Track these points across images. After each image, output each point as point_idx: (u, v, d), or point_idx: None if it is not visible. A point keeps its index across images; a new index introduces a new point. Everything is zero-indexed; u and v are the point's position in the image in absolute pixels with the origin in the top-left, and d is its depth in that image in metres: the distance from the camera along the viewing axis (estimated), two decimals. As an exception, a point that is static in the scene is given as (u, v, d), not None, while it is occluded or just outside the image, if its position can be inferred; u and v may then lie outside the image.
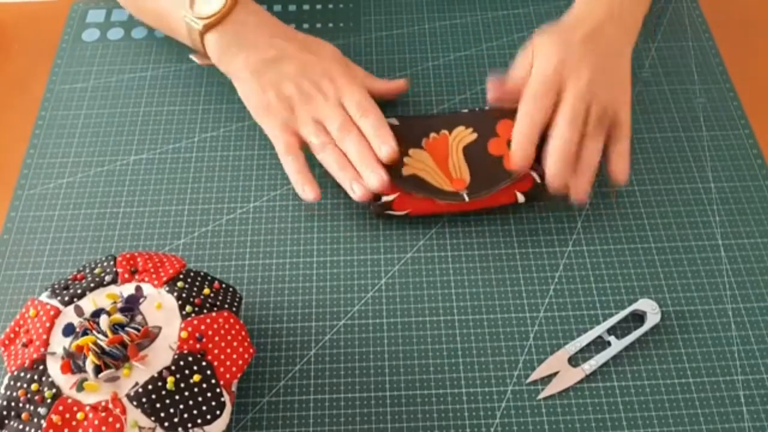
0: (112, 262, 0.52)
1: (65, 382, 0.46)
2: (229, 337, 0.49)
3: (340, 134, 0.60)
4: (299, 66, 0.62)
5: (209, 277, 0.53)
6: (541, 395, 0.53)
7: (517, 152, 0.58)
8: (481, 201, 0.60)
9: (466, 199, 0.60)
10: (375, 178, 0.57)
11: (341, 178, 0.59)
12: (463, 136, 0.63)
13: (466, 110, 0.65)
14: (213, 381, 0.47)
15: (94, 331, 0.46)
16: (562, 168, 0.57)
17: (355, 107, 0.60)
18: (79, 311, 0.49)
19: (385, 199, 0.59)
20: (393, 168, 0.60)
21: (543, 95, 0.58)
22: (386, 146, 0.59)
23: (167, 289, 0.50)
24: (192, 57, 0.68)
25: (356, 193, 0.58)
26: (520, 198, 0.61)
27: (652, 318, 0.56)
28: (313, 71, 0.62)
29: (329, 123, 0.60)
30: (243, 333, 0.50)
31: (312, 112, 0.61)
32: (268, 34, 0.63)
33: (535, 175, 0.61)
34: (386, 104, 0.67)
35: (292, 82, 0.61)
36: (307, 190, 0.59)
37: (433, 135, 0.63)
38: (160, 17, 0.68)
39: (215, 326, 0.49)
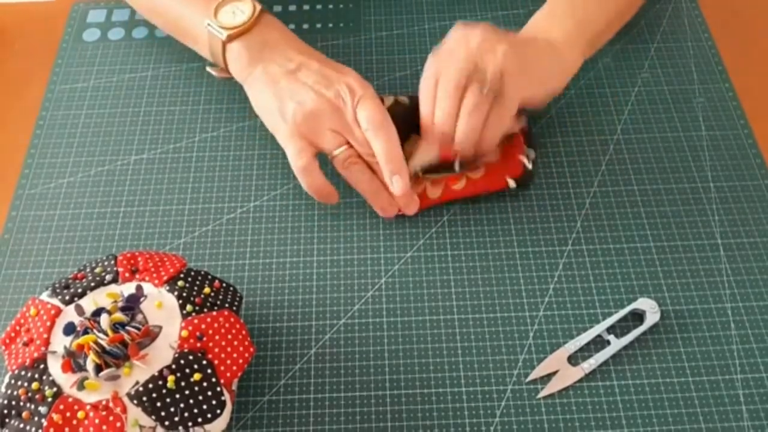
0: (112, 262, 0.52)
1: (66, 380, 0.46)
2: (229, 336, 0.49)
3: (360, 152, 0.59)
4: (318, 77, 0.60)
5: (210, 276, 0.53)
6: (541, 394, 0.53)
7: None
8: (472, 187, 0.61)
9: (457, 169, 0.61)
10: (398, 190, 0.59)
11: (366, 193, 0.60)
12: None
13: None
14: (213, 380, 0.47)
15: (95, 330, 0.47)
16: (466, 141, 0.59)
17: (366, 122, 0.58)
18: (80, 310, 0.49)
19: None
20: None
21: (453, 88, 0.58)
22: (398, 182, 0.58)
23: (168, 288, 0.50)
24: (209, 69, 0.66)
25: (386, 212, 0.61)
26: (512, 183, 0.61)
27: (652, 317, 0.56)
28: (332, 83, 0.59)
29: (350, 136, 0.59)
30: (243, 332, 0.50)
31: (331, 123, 0.58)
32: (290, 48, 0.62)
33: (524, 159, 0.61)
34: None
35: (312, 91, 0.59)
36: (331, 200, 0.60)
37: None
38: (179, 25, 0.67)
39: (216, 325, 0.49)
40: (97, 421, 0.45)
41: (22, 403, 0.46)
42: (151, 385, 0.45)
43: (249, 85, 0.63)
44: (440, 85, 0.59)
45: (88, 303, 0.49)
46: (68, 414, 0.45)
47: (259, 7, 0.63)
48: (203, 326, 0.48)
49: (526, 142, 0.64)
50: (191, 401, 0.46)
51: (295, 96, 0.59)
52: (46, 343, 0.48)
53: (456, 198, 0.62)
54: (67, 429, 0.45)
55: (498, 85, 0.58)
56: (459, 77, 0.58)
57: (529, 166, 0.61)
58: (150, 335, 0.47)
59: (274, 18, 0.64)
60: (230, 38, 0.62)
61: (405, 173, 0.58)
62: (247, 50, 0.62)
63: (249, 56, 0.62)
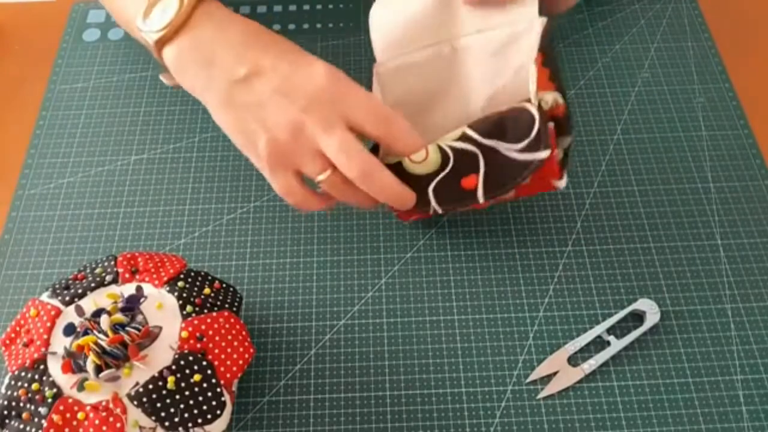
0: (112, 262, 0.52)
1: (66, 381, 0.46)
2: (229, 337, 0.49)
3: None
4: (279, 83, 0.48)
5: (210, 277, 0.53)
6: (541, 395, 0.53)
7: None
8: (511, 195, 0.54)
9: (481, 200, 0.51)
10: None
11: (365, 208, 0.54)
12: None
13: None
14: (213, 380, 0.47)
15: (95, 331, 0.47)
16: None
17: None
18: (80, 311, 0.49)
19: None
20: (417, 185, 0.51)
21: None
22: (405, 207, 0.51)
23: (168, 288, 0.50)
24: (161, 77, 0.56)
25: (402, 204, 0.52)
26: (561, 184, 0.52)
27: (652, 318, 0.56)
28: (297, 90, 0.48)
29: (330, 152, 0.48)
30: (243, 333, 0.50)
31: (308, 143, 0.48)
32: (237, 43, 0.50)
33: (557, 183, 0.52)
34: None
35: (275, 106, 0.48)
36: (321, 209, 0.52)
37: None
38: (128, 29, 0.57)
39: (216, 326, 0.49)
40: (97, 422, 0.45)
41: (22, 404, 0.46)
42: (151, 386, 0.45)
43: (201, 99, 0.52)
44: None
45: (88, 304, 0.49)
46: (68, 415, 0.45)
47: None
48: (203, 327, 0.48)
49: (564, 129, 0.51)
50: (191, 402, 0.46)
51: (259, 119, 0.48)
52: (46, 343, 0.48)
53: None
54: (67, 430, 0.45)
55: None
56: None
57: (562, 186, 0.53)
58: (150, 336, 0.47)
59: (214, 3, 0.52)
60: (160, 43, 0.51)
61: (412, 199, 0.50)
62: (181, 53, 0.50)
63: (186, 64, 0.50)
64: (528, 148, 0.49)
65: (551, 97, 0.50)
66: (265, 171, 0.51)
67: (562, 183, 0.52)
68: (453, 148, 0.50)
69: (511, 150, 0.50)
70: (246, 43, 0.50)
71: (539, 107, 0.49)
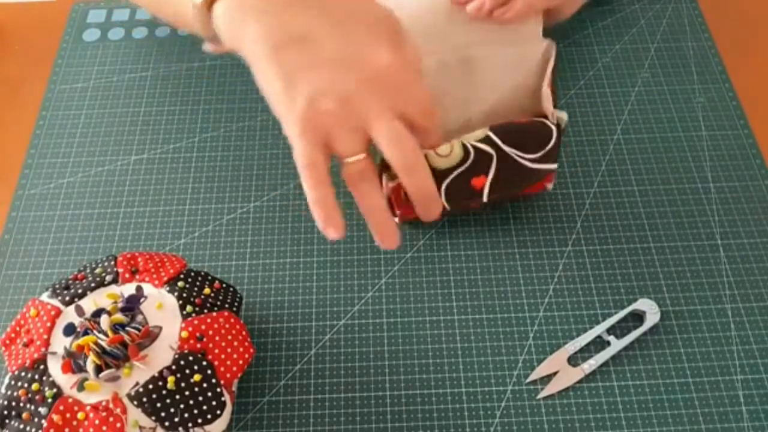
0: (112, 262, 0.52)
1: (66, 381, 0.46)
2: (229, 337, 0.49)
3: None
4: (340, 51, 0.45)
5: (210, 277, 0.53)
6: (541, 395, 0.53)
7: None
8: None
9: (485, 199, 0.54)
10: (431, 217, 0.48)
11: (369, 217, 0.48)
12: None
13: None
14: (213, 380, 0.47)
15: (95, 331, 0.47)
16: None
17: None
18: (80, 311, 0.49)
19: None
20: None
21: None
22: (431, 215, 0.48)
23: (168, 288, 0.50)
24: (204, 47, 0.53)
25: (386, 242, 0.48)
26: (550, 187, 0.59)
27: (652, 318, 0.56)
28: (360, 62, 0.45)
29: (381, 136, 0.44)
30: (243, 333, 0.50)
31: (353, 118, 0.44)
32: (298, 2, 0.46)
33: (549, 186, 0.60)
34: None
35: (330, 71, 0.44)
36: (329, 231, 0.45)
37: None
38: (164, 4, 0.56)
39: (216, 326, 0.49)
40: (97, 422, 0.45)
41: (22, 404, 0.46)
42: (151, 386, 0.45)
43: (248, 56, 0.47)
44: None
45: (88, 304, 0.49)
46: (68, 415, 0.45)
47: None
48: (203, 327, 0.48)
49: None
50: (191, 402, 0.46)
51: (307, 80, 0.44)
52: (46, 343, 0.48)
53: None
54: (67, 430, 0.45)
55: None
56: None
57: (551, 187, 0.59)
58: (150, 336, 0.47)
59: None
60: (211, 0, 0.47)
61: (439, 206, 0.48)
62: (235, 8, 0.47)
63: (240, 16, 0.46)
64: (541, 159, 0.54)
65: (565, 117, 0.54)
66: (293, 132, 0.45)
67: (551, 185, 0.59)
68: (475, 147, 0.52)
69: (524, 158, 0.53)
70: (305, 3, 0.46)
71: (557, 124, 0.53)
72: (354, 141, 0.45)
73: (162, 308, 0.49)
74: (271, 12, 0.45)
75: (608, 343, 0.55)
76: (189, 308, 0.49)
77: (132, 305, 0.49)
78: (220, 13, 0.47)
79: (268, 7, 0.46)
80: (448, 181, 0.52)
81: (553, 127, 0.53)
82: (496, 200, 0.57)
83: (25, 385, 0.46)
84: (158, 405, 0.45)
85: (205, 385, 0.46)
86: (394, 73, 0.45)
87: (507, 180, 0.54)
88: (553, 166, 0.55)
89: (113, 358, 0.46)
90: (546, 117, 0.54)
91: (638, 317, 0.57)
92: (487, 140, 0.52)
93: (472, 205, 0.58)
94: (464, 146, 0.52)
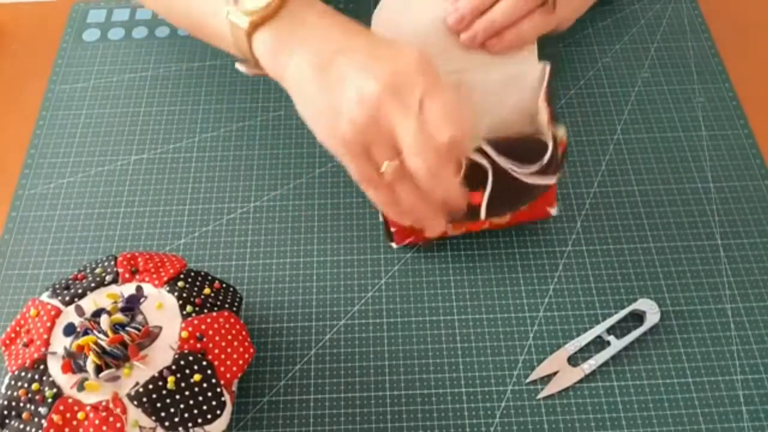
0: (112, 262, 0.52)
1: (66, 381, 0.46)
2: (229, 337, 0.49)
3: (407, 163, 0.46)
4: (363, 58, 0.47)
5: (210, 277, 0.53)
6: (541, 395, 0.53)
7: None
8: (506, 221, 0.59)
9: (482, 216, 0.53)
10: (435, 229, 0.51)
11: (409, 213, 0.50)
12: None
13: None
14: (213, 380, 0.47)
15: (95, 331, 0.47)
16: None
17: (440, 119, 0.45)
18: (80, 311, 0.49)
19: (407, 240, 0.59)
20: None
21: None
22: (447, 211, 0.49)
23: (168, 288, 0.50)
24: (238, 66, 0.54)
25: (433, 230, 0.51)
26: (554, 212, 0.59)
27: (652, 318, 0.56)
28: (382, 64, 0.46)
29: (405, 138, 0.45)
30: (243, 333, 0.50)
31: (385, 131, 0.45)
32: (333, 28, 0.49)
33: (552, 210, 0.59)
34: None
35: (355, 80, 0.46)
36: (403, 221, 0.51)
37: None
38: (196, 20, 0.56)
39: (216, 326, 0.49)
40: (97, 421, 0.45)
41: (22, 404, 0.46)
42: (151, 386, 0.45)
43: (288, 82, 0.50)
44: None
45: (88, 304, 0.49)
46: (68, 415, 0.45)
47: None
48: (203, 327, 0.48)
49: (563, 162, 0.56)
50: (191, 402, 0.46)
51: (340, 98, 0.46)
52: (46, 343, 0.48)
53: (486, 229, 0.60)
54: (67, 430, 0.45)
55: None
56: None
57: (555, 213, 0.59)
58: (150, 336, 0.47)
59: None
60: (254, 26, 0.49)
61: (462, 208, 0.49)
62: (277, 38, 0.49)
63: (280, 45, 0.49)
64: (539, 172, 0.52)
65: (561, 131, 0.54)
66: (340, 155, 0.48)
67: (555, 210, 0.58)
68: (467, 158, 0.51)
69: (521, 172, 0.52)
70: (339, 25, 0.50)
71: (553, 137, 0.52)
72: (384, 149, 0.46)
73: (162, 308, 0.49)
74: (307, 43, 0.48)
75: (608, 343, 0.55)
76: (189, 308, 0.49)
77: (132, 305, 0.49)
78: (262, 42, 0.49)
79: (308, 38, 0.48)
80: None
81: (549, 141, 0.52)
82: (498, 223, 0.58)
83: (25, 385, 0.46)
84: (158, 405, 0.45)
85: (205, 385, 0.46)
86: (419, 71, 0.46)
87: (504, 195, 0.53)
88: (552, 180, 0.54)
89: (113, 358, 0.46)
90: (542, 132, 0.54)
91: (638, 317, 0.57)
92: (480, 151, 0.52)
93: (471, 227, 0.58)
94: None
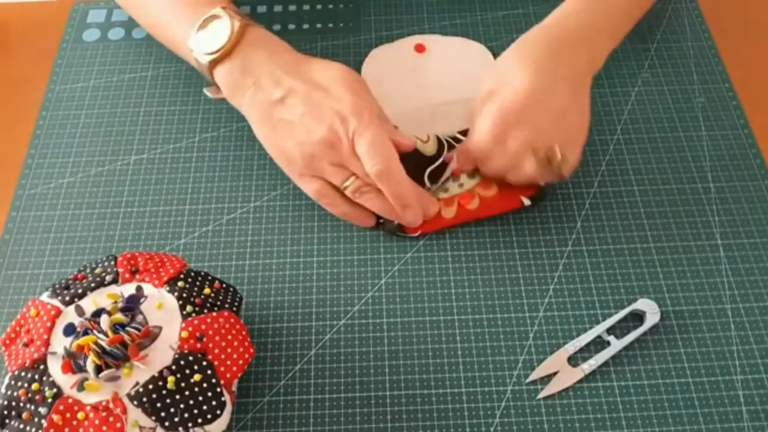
0: (112, 262, 0.52)
1: (66, 381, 0.46)
2: (229, 337, 0.49)
3: (363, 187, 0.57)
4: (308, 106, 0.56)
5: (210, 277, 0.53)
6: (541, 395, 0.53)
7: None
8: (486, 208, 0.61)
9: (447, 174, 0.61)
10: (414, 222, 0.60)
11: (385, 215, 0.60)
12: None
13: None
14: (213, 380, 0.47)
15: (95, 331, 0.47)
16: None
17: (366, 155, 0.55)
18: (80, 311, 0.49)
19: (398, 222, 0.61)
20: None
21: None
22: (409, 212, 0.58)
23: (168, 288, 0.50)
24: (206, 91, 0.63)
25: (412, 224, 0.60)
26: (526, 202, 0.61)
27: (652, 318, 0.56)
28: (322, 114, 0.56)
29: (353, 168, 0.56)
30: (243, 333, 0.50)
31: (331, 157, 0.56)
32: (276, 68, 0.58)
33: (541, 182, 0.61)
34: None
35: (304, 127, 0.56)
36: (364, 225, 0.61)
37: None
38: (174, 47, 0.65)
39: (216, 326, 0.49)
40: (97, 422, 0.45)
41: (22, 404, 0.46)
42: (151, 386, 0.45)
43: (245, 114, 0.61)
44: (505, 146, 0.58)
45: (89, 304, 0.49)
46: (68, 415, 0.45)
47: (238, 24, 0.58)
48: (203, 327, 0.48)
49: None
50: (191, 402, 0.46)
51: (290, 135, 0.57)
52: (46, 343, 0.48)
53: (470, 219, 0.61)
54: (67, 430, 0.45)
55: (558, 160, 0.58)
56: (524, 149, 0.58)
57: (528, 203, 0.62)
58: (150, 336, 0.47)
59: (258, 30, 0.60)
60: (213, 63, 0.59)
61: (416, 204, 0.58)
62: (231, 74, 0.59)
63: (235, 81, 0.59)
64: None
65: None
66: (297, 181, 0.59)
67: (527, 200, 0.62)
68: (447, 140, 0.62)
69: None
70: (284, 68, 0.58)
71: None
72: (338, 173, 0.57)
73: (162, 308, 0.49)
74: (257, 82, 0.58)
75: (608, 343, 0.55)
76: (189, 308, 0.49)
77: (132, 305, 0.49)
78: (221, 77, 0.59)
79: (258, 77, 0.58)
80: (431, 168, 0.60)
81: None
82: (477, 216, 0.62)
83: (25, 385, 0.46)
84: (158, 405, 0.45)
85: (205, 385, 0.46)
86: (354, 103, 0.56)
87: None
88: None
89: (113, 358, 0.46)
90: None
91: (638, 317, 0.57)
92: (456, 140, 0.62)
93: (461, 203, 0.62)
94: (439, 139, 0.60)
